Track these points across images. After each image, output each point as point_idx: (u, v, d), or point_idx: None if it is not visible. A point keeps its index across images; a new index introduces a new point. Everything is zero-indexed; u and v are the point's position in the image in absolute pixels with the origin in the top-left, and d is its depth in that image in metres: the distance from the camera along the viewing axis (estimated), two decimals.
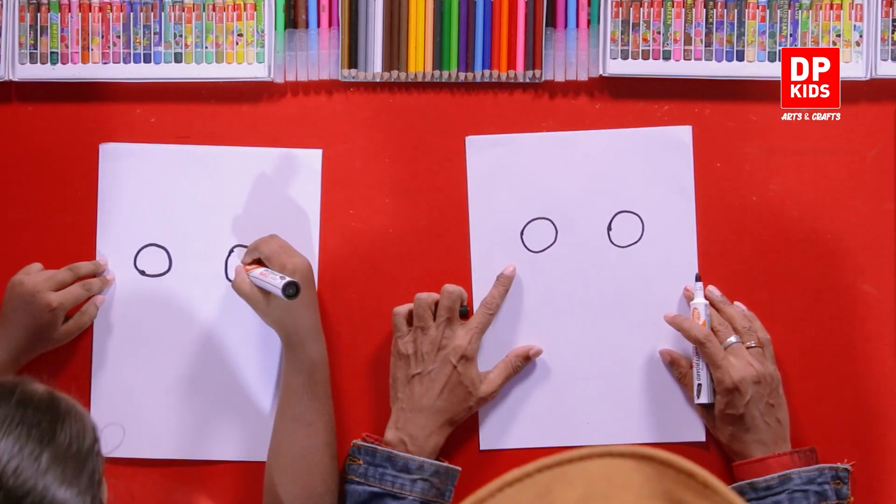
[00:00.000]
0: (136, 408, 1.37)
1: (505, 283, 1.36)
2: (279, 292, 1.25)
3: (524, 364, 1.35)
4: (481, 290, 1.36)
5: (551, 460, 0.74)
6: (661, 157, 1.37)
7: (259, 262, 1.32)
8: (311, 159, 1.38)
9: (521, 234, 1.37)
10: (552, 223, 1.37)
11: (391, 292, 1.36)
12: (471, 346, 1.32)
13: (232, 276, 1.35)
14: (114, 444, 1.28)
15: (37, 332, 1.32)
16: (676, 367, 1.34)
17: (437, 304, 1.33)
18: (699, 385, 1.30)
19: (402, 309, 1.34)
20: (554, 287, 1.36)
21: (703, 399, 1.30)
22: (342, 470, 1.33)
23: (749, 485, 1.26)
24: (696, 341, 1.30)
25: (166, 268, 1.38)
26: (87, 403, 1.37)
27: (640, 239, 1.36)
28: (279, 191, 1.38)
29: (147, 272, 1.38)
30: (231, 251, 1.38)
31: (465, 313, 1.34)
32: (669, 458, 0.73)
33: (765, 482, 1.25)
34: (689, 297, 1.34)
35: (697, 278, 1.34)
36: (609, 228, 1.36)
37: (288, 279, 1.25)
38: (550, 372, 1.37)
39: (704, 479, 0.73)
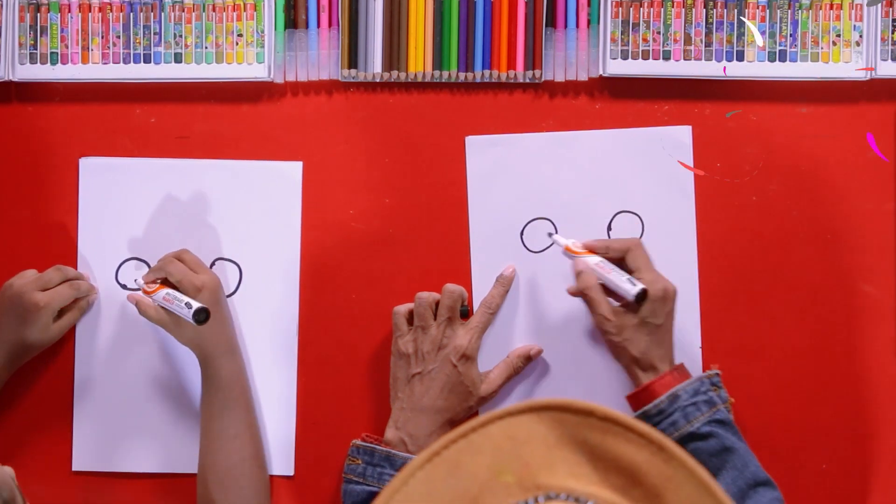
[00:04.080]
0: (119, 423, 1.38)
1: (505, 283, 1.36)
2: (190, 319, 1.26)
3: (525, 364, 1.35)
4: (481, 290, 1.36)
5: (454, 434, 0.76)
6: (662, 157, 1.37)
7: (164, 283, 1.31)
8: (291, 171, 1.38)
9: (521, 234, 1.37)
10: (552, 223, 1.37)
11: (391, 292, 1.36)
12: (471, 346, 1.32)
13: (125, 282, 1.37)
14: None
15: (26, 332, 1.32)
16: (585, 284, 1.28)
17: (437, 303, 1.33)
18: (627, 279, 1.25)
19: (403, 308, 1.34)
20: (554, 287, 1.36)
21: (638, 287, 1.24)
22: (342, 470, 1.33)
23: (643, 414, 1.24)
24: (626, 248, 1.28)
25: None
26: (70, 418, 1.38)
27: (640, 239, 1.36)
28: (260, 203, 1.38)
29: (129, 286, 1.38)
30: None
31: (466, 313, 1.34)
32: (565, 403, 0.76)
33: (656, 407, 1.24)
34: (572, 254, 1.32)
35: (549, 234, 1.36)
36: (609, 228, 1.36)
37: (197, 306, 1.26)
38: (550, 372, 1.37)
39: (604, 413, 0.75)
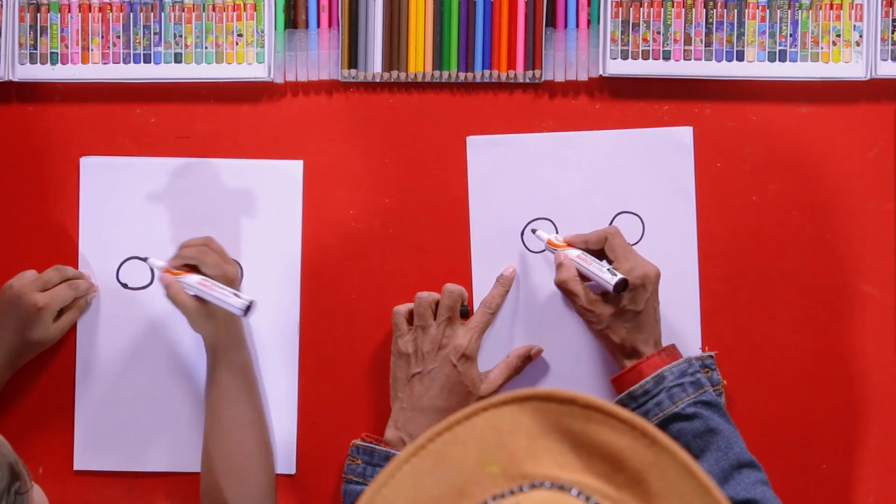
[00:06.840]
0: (120, 422, 1.38)
1: (505, 283, 1.36)
2: (235, 311, 1.26)
3: (525, 364, 1.35)
4: (481, 290, 1.36)
5: (439, 427, 0.76)
6: (662, 157, 1.37)
7: (189, 268, 1.29)
8: (292, 170, 1.38)
9: (522, 234, 1.37)
10: (553, 223, 1.37)
11: (391, 292, 1.36)
12: (471, 346, 1.32)
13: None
14: None
15: (27, 333, 1.33)
16: (567, 281, 1.30)
17: (437, 303, 1.34)
18: (607, 270, 1.27)
19: (403, 308, 1.34)
20: (554, 287, 1.35)
21: (617, 277, 1.26)
22: (342, 470, 1.33)
23: (628, 395, 1.26)
24: (603, 238, 1.30)
25: (149, 280, 1.38)
26: (72, 417, 1.38)
27: (640, 239, 1.36)
28: (261, 202, 1.38)
29: (129, 285, 1.38)
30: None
31: (466, 313, 1.34)
32: (548, 392, 0.76)
33: (641, 388, 1.25)
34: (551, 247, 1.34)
35: (533, 231, 1.36)
36: None
37: (247, 299, 1.26)
38: (550, 371, 1.37)
39: (586, 401, 0.76)
